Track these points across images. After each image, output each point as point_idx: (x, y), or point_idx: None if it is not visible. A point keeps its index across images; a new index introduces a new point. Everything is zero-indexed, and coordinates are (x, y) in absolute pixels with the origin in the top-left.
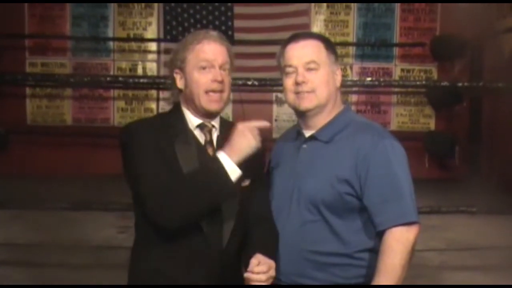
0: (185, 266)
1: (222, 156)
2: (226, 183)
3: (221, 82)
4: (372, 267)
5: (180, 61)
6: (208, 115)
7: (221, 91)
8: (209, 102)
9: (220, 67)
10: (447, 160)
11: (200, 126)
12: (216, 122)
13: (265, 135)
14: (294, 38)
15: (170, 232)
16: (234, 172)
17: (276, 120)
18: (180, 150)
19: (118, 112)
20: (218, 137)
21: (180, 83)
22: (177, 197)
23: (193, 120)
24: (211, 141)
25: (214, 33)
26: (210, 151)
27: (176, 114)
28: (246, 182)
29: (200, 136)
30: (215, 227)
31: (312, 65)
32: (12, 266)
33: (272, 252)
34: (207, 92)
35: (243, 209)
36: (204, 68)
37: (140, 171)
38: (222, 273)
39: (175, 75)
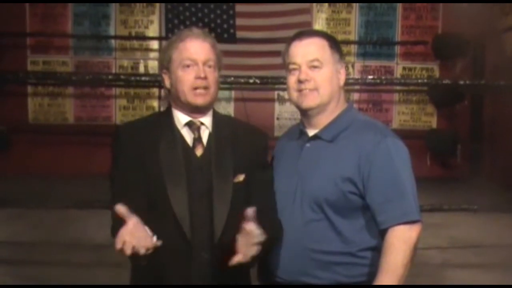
0: (178, 269)
1: None
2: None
3: (205, 78)
4: (375, 266)
5: (167, 61)
6: (196, 111)
7: (205, 87)
8: (195, 97)
9: (204, 64)
10: (449, 158)
11: (188, 124)
12: (206, 120)
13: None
14: (299, 35)
15: (157, 234)
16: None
17: (278, 118)
18: (164, 153)
19: (120, 111)
20: (210, 135)
21: (167, 83)
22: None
23: (181, 119)
24: (199, 138)
25: (197, 30)
26: (198, 148)
27: (165, 115)
28: (240, 178)
29: (189, 134)
30: (202, 224)
31: (315, 63)
32: (14, 264)
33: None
34: (192, 88)
35: (237, 203)
36: (188, 66)
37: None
38: (216, 270)
39: (163, 75)
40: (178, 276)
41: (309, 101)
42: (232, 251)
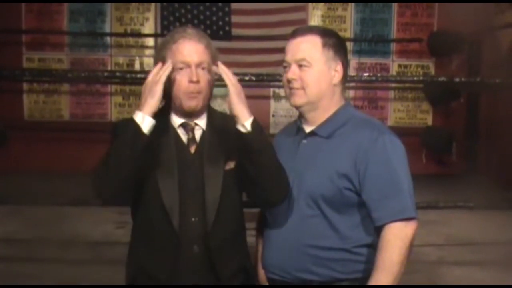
0: (165, 263)
1: (136, 113)
2: (136, 134)
3: (197, 82)
4: (370, 262)
5: (161, 61)
6: (189, 114)
7: (198, 92)
8: (187, 102)
9: (197, 66)
10: (445, 155)
11: (183, 125)
12: (200, 121)
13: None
14: (293, 33)
15: (147, 227)
16: (145, 123)
17: (273, 115)
18: (158, 149)
19: (115, 108)
20: (204, 134)
21: None
22: (101, 165)
23: (175, 120)
24: (193, 138)
25: (191, 30)
26: (193, 148)
27: (161, 113)
28: (231, 164)
29: (183, 135)
30: (194, 217)
31: (303, 63)
32: (10, 261)
33: None
34: (184, 93)
35: (229, 191)
36: (181, 69)
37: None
38: (209, 259)
39: None
40: (166, 268)
41: (296, 100)
42: None
